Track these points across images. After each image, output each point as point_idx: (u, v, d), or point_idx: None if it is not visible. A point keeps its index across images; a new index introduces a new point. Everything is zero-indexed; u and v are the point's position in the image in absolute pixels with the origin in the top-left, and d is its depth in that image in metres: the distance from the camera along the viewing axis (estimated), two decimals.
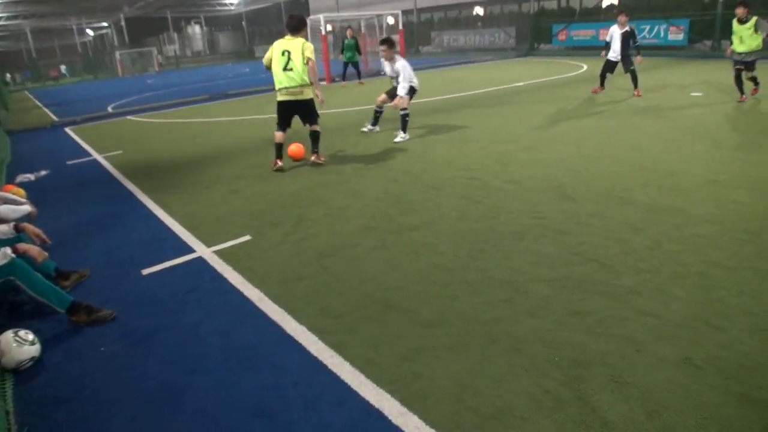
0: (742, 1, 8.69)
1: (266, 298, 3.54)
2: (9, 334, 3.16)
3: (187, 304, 3.60)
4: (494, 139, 7.60)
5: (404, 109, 7.98)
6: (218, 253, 4.38)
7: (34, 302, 3.53)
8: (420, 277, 3.65)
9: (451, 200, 5.13)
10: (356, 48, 16.81)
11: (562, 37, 24.87)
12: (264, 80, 22.28)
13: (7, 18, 44.78)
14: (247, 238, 4.64)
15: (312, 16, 20.91)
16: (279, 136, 6.87)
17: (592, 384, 2.47)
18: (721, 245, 3.77)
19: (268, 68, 6.75)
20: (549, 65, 18.63)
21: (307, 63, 6.41)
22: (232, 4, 53.62)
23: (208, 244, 4.57)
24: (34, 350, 3.16)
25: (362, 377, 2.67)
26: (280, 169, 6.78)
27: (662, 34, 20.50)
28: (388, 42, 8.27)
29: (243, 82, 22.62)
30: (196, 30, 59.45)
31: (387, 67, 8.45)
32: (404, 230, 4.48)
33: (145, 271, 4.19)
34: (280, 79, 6.54)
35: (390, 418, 2.38)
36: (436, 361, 2.75)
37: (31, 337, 3.19)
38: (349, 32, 17.14)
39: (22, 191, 6.24)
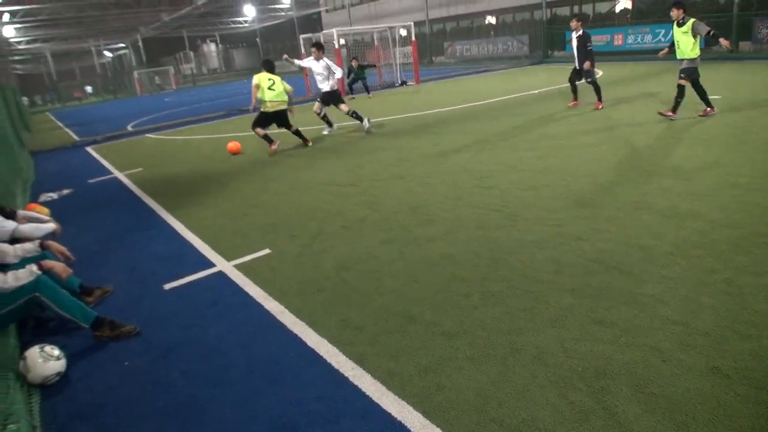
0: (676, 2, 7.99)
1: (287, 311, 3.56)
2: (35, 349, 3.21)
3: (209, 318, 3.63)
4: (510, 147, 7.58)
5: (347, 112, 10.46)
6: (238, 266, 4.42)
7: (59, 318, 3.58)
8: (439, 287, 3.64)
9: (469, 209, 5.12)
10: (362, 73, 17.89)
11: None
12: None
13: (28, 42, 45.99)
14: (266, 251, 4.67)
15: (325, 31, 21.14)
16: (260, 131, 9.28)
17: (618, 395, 2.43)
18: (746, 250, 3.70)
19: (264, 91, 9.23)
20: (563, 72, 18.50)
21: (288, 93, 9.35)
22: (246, 22, 54.43)
23: (228, 258, 4.61)
24: (59, 365, 3.21)
25: (384, 389, 2.67)
26: (276, 151, 9.11)
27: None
28: (316, 45, 10.67)
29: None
30: (211, 48, 60.43)
31: (316, 66, 10.48)
32: (422, 241, 4.47)
33: (167, 286, 4.24)
34: (270, 97, 9.18)
35: (413, 430, 2.37)
36: (459, 372, 2.74)
37: (56, 352, 3.24)
38: (354, 63, 18.05)
39: (46, 210, 6.37)
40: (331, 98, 10.62)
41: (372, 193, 6.11)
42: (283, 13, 50.38)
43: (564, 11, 28.23)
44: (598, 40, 23.50)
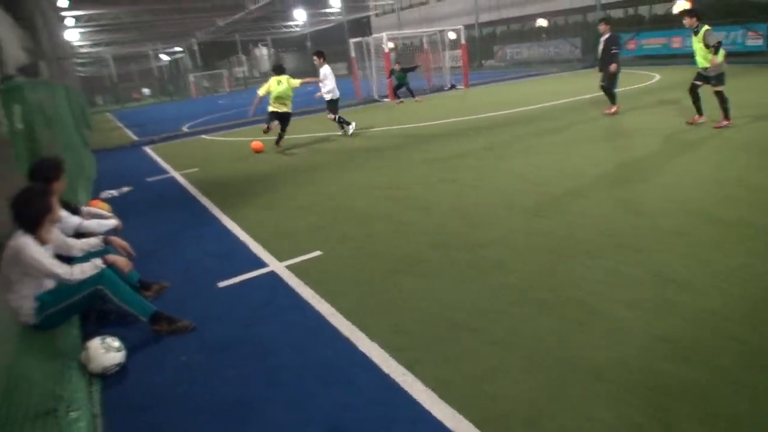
0: (688, 10, 8.04)
1: (338, 314, 3.59)
2: (97, 340, 3.34)
3: (262, 318, 3.70)
4: (563, 152, 7.42)
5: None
6: (290, 267, 4.49)
7: (119, 311, 3.71)
8: (490, 295, 3.60)
9: (522, 216, 5.04)
10: (404, 77, 17.73)
11: (631, 46, 24.08)
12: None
13: (91, 46, 48.16)
14: (317, 253, 4.73)
15: (375, 35, 21.27)
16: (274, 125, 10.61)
17: (678, 415, 2.34)
18: None
19: (263, 95, 10.61)
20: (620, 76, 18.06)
21: (300, 85, 10.76)
22: (297, 26, 55.32)
23: (281, 259, 4.69)
24: (119, 357, 3.33)
25: (435, 397, 2.65)
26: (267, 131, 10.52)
27: (739, 40, 19.51)
28: (317, 53, 11.63)
29: (307, 101, 23.21)
30: (263, 51, 61.67)
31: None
32: (473, 247, 4.43)
33: (221, 284, 4.34)
34: (277, 92, 10.35)
35: None
36: (512, 383, 2.69)
37: (117, 344, 3.36)
38: (397, 66, 17.94)
39: (107, 206, 6.64)
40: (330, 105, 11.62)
41: (422, 196, 6.10)
42: (333, 18, 50.97)
43: (619, 13, 27.49)
44: (654, 42, 22.82)
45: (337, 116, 11.67)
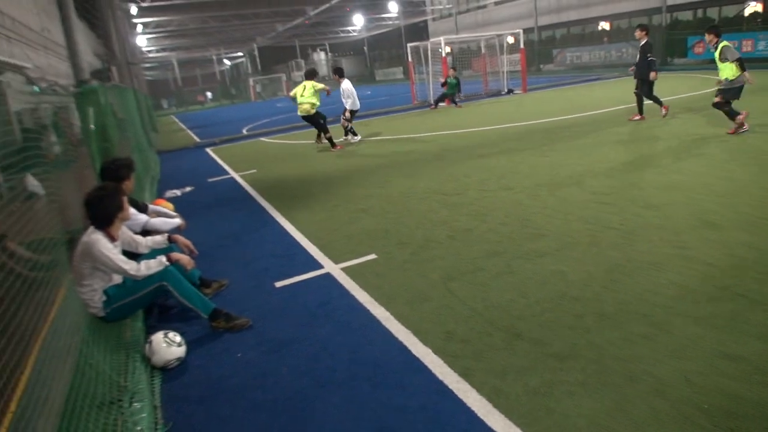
0: (708, 27, 8.24)
1: (392, 318, 3.58)
2: (160, 335, 3.46)
3: (318, 318, 3.74)
4: (627, 160, 7.17)
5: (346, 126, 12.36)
6: (346, 269, 4.52)
7: (181, 306, 3.85)
8: (549, 306, 3.50)
9: (582, 225, 4.90)
10: (457, 85, 17.83)
11: (698, 50, 23.09)
12: (384, 102, 22.93)
13: (157, 51, 50.36)
14: (373, 256, 4.75)
15: (432, 39, 21.24)
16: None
17: None
18: None
19: (294, 98, 11.46)
20: (684, 80, 17.36)
21: (326, 93, 11.49)
22: (354, 31, 56.03)
23: (336, 261, 4.73)
24: (180, 351, 3.44)
25: (490, 406, 2.60)
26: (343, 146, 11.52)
27: None
28: (336, 71, 12.58)
29: (365, 104, 23.41)
30: (321, 56, 62.69)
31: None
32: (532, 256, 4.33)
33: (278, 284, 4.42)
34: (300, 100, 11.13)
35: None
36: (569, 396, 2.61)
37: (178, 339, 3.47)
38: (452, 72, 17.90)
39: (170, 205, 6.88)
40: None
41: (479, 203, 6.01)
42: (390, 22, 51.31)
43: (686, 15, 26.42)
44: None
45: (350, 124, 12.37)
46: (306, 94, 11.17)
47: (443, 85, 17.82)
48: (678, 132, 8.74)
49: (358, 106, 12.27)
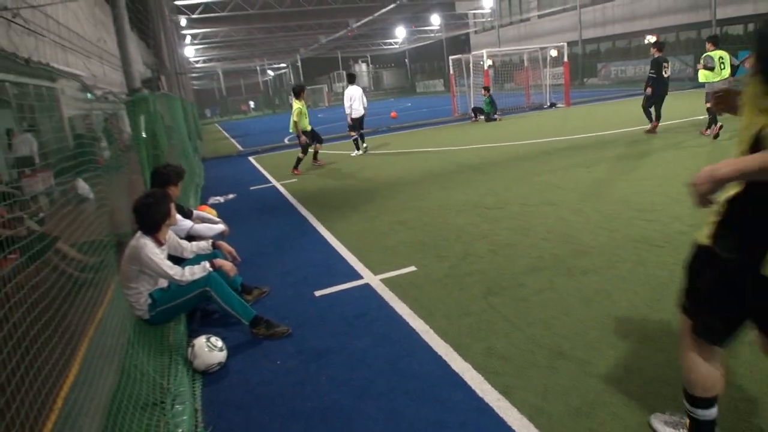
0: (710, 37, 9.36)
1: (431, 331, 3.55)
2: (202, 339, 3.52)
3: (356, 329, 3.74)
4: (672, 177, 6.95)
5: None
6: (385, 281, 4.51)
7: (222, 312, 3.91)
8: (593, 324, 3.41)
9: (627, 243, 4.77)
10: (491, 103, 17.62)
11: (749, 64, 22.31)
12: (424, 114, 22.97)
13: (204, 61, 51.81)
14: (412, 268, 4.73)
15: (474, 52, 21.19)
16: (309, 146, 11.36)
17: None
18: None
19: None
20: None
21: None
22: (396, 43, 56.41)
23: (375, 272, 4.73)
24: (222, 356, 3.49)
25: (531, 426, 2.54)
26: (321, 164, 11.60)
27: None
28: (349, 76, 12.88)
29: (406, 116, 23.50)
30: (362, 68, 63.42)
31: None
32: (575, 273, 4.24)
33: (318, 293, 4.45)
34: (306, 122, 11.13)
35: None
36: (614, 419, 2.53)
37: (220, 343, 3.53)
38: (483, 93, 17.79)
39: (214, 211, 7.03)
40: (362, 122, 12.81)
41: (521, 217, 5.93)
42: (432, 35, 51.47)
43: (737, 29, 25.61)
44: None
45: (353, 134, 12.83)
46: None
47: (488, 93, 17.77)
48: (728, 149, 8.44)
49: (358, 113, 12.43)
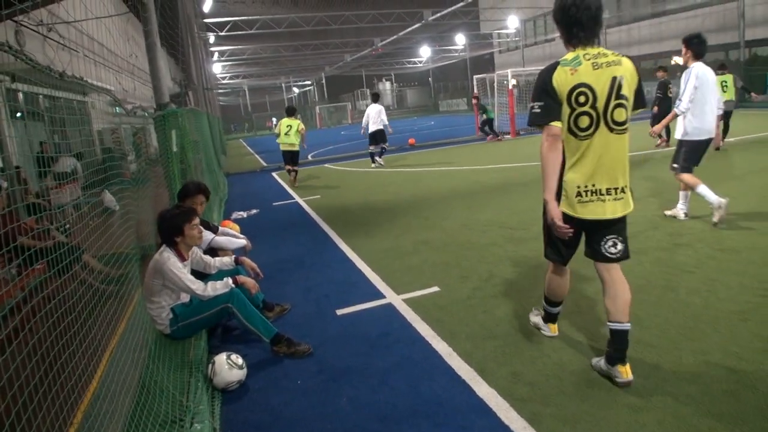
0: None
1: (455, 354, 3.47)
2: (223, 356, 3.49)
3: (378, 349, 3.68)
4: (702, 202, 6.76)
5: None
6: (407, 301, 4.45)
7: (243, 329, 3.88)
8: None
9: (657, 267, 4.64)
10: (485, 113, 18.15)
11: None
12: (447, 133, 22.95)
13: (230, 78, 52.75)
14: (435, 289, 4.66)
15: (498, 71, 21.19)
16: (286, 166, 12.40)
17: None
18: None
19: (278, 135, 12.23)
20: (763, 119, 16.46)
21: (300, 131, 12.02)
22: (420, 62, 56.76)
23: (398, 292, 4.67)
24: (241, 374, 3.45)
25: None
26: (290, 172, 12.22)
27: None
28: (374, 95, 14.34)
29: (428, 134, 23.54)
30: (386, 86, 63.90)
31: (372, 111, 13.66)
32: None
33: (340, 312, 4.40)
34: (282, 140, 12.05)
35: None
36: None
37: (240, 361, 3.49)
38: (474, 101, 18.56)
39: (236, 226, 7.05)
40: (381, 136, 13.68)
41: None
42: (456, 54, 51.70)
43: (766, 51, 25.20)
44: None
45: (371, 148, 13.87)
46: (291, 133, 11.97)
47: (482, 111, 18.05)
48: (759, 173, 8.22)
49: (375, 128, 13.42)
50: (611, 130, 2.89)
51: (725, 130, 11.47)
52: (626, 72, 2.83)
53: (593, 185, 2.94)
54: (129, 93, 13.37)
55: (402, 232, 6.76)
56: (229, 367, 3.43)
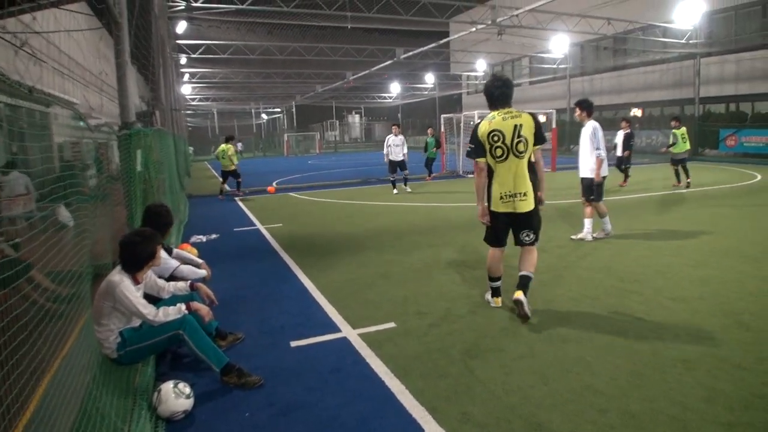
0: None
1: (407, 392, 3.46)
2: (170, 384, 3.40)
3: (331, 384, 3.64)
4: (657, 249, 7.03)
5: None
6: (363, 336, 4.42)
7: (194, 356, 3.79)
8: (572, 397, 3.35)
9: (608, 313, 4.76)
10: (436, 145, 18.83)
11: (731, 142, 23.21)
12: (413, 169, 23.20)
13: (199, 100, 52.44)
14: (391, 324, 4.65)
15: (465, 112, 21.71)
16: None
17: None
18: None
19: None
20: (716, 172, 17.27)
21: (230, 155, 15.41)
22: (390, 97, 57.66)
23: (354, 326, 4.65)
24: (188, 404, 3.36)
25: None
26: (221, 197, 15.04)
27: None
28: (396, 125, 15.44)
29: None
30: (355, 119, 64.52)
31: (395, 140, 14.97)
32: (555, 340, 4.20)
33: (294, 344, 4.34)
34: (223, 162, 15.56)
35: None
36: None
37: (188, 390, 3.40)
38: (430, 132, 19.21)
39: (195, 250, 6.93)
40: (401, 165, 14.90)
41: (504, 279, 5.89)
42: (425, 93, 52.76)
43: (719, 108, 26.66)
44: (757, 140, 21.86)
45: (393, 176, 14.92)
46: (225, 156, 15.36)
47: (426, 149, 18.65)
48: (711, 224, 8.59)
49: (392, 157, 14.72)
50: (516, 156, 4.59)
51: (686, 175, 13.55)
52: (525, 121, 4.58)
53: (508, 192, 4.64)
54: (96, 109, 13.12)
55: (362, 265, 6.76)
56: (176, 396, 3.34)
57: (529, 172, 4.61)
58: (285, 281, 6.22)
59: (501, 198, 4.64)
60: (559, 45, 26.68)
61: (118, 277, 3.64)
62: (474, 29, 22.52)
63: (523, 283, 4.71)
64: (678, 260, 6.46)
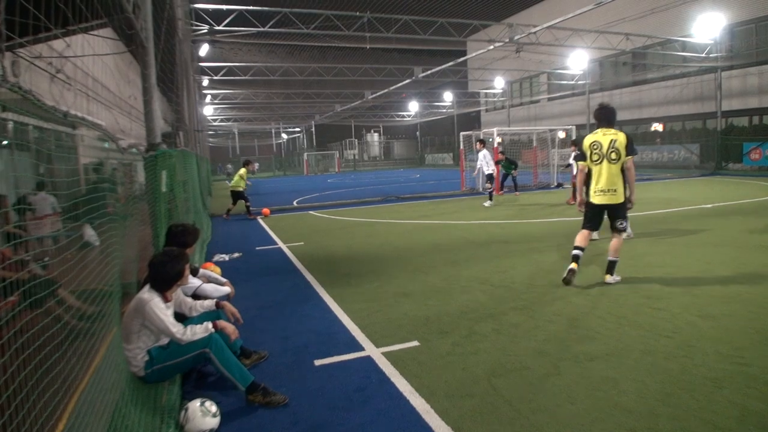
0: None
1: (432, 412, 3.44)
2: (197, 403, 3.43)
3: (355, 403, 3.64)
4: (682, 265, 6.93)
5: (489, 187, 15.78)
6: (387, 354, 4.42)
7: (219, 375, 3.82)
8: (600, 415, 3.30)
9: (635, 331, 4.69)
10: (510, 167, 18.49)
11: (755, 156, 22.87)
12: (432, 187, 23.27)
13: (221, 120, 53.35)
14: (415, 343, 4.64)
15: (485, 129, 21.76)
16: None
17: None
18: None
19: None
20: (739, 186, 17.01)
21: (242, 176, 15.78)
22: (408, 116, 58.01)
23: (378, 345, 4.64)
24: (214, 423, 3.39)
25: None
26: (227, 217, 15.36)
27: None
28: (481, 141, 16.59)
29: (413, 187, 23.84)
30: (374, 137, 64.96)
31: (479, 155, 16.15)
32: (581, 359, 4.15)
33: (318, 362, 4.36)
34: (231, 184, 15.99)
35: None
36: None
37: (214, 409, 3.43)
38: (502, 156, 18.60)
39: (218, 269, 7.02)
40: (489, 178, 15.79)
41: (526, 297, 5.86)
42: (444, 111, 53.00)
43: (742, 121, 26.30)
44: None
45: (490, 187, 15.59)
46: (235, 178, 15.82)
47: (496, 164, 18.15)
48: (737, 239, 8.43)
49: (489, 171, 15.61)
50: (609, 162, 6.09)
51: None
52: (619, 138, 6.07)
53: (600, 188, 6.16)
54: (125, 132, 13.49)
55: (384, 284, 6.77)
56: (203, 415, 3.37)
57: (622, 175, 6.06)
58: (308, 299, 6.25)
59: (595, 192, 6.18)
60: (577, 61, 26.68)
61: (148, 295, 3.71)
62: (491, 47, 22.65)
63: (610, 267, 6.28)
64: (705, 276, 6.36)
